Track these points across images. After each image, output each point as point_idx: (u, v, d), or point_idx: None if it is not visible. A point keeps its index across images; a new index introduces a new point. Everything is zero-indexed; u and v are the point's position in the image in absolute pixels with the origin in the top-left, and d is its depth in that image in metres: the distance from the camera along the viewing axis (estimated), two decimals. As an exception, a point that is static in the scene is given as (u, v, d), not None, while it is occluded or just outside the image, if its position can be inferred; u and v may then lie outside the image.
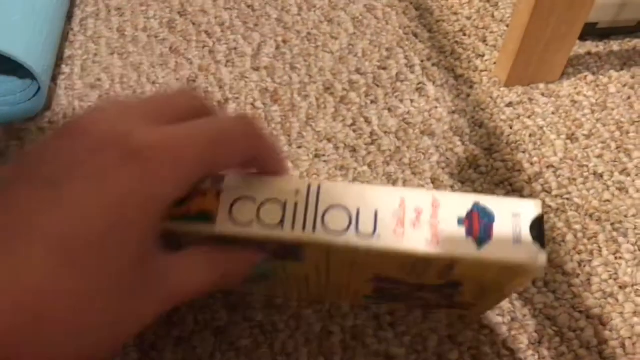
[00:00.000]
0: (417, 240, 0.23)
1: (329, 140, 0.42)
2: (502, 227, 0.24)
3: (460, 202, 0.24)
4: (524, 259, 0.23)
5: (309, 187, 0.24)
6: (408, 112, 0.44)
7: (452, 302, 0.30)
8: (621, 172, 0.40)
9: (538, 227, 0.24)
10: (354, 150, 0.42)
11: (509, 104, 0.44)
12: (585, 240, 0.37)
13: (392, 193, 0.24)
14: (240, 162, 0.24)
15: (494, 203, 0.24)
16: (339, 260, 0.25)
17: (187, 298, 0.23)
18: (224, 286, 0.26)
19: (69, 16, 0.50)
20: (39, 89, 0.41)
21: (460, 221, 0.24)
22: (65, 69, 0.47)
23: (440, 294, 0.29)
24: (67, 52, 0.48)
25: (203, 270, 0.24)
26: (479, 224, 0.24)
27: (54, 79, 0.46)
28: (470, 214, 0.24)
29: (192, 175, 0.22)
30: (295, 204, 0.23)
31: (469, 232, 0.23)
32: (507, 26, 0.50)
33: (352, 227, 0.23)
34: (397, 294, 0.30)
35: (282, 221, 0.23)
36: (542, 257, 0.23)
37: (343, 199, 0.24)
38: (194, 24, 0.50)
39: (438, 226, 0.24)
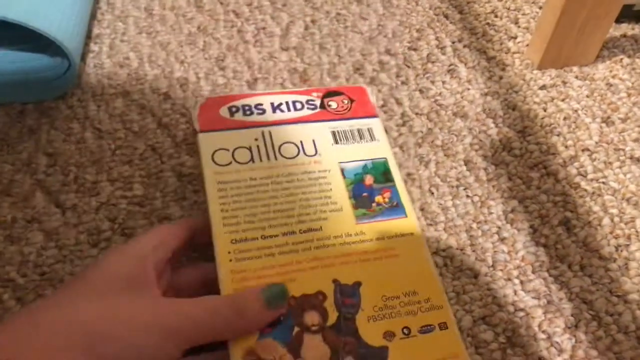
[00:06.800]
0: None
1: (360, 121, 0.42)
2: None
3: None
4: None
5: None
6: (440, 94, 0.43)
7: None
8: (658, 157, 0.40)
9: None
10: (385, 131, 0.41)
11: (543, 87, 0.44)
12: (622, 225, 0.36)
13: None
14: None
15: None
16: None
17: None
18: None
19: (97, -5, 0.50)
20: (69, 67, 0.41)
21: None
22: (94, 47, 0.47)
23: None
24: (96, 31, 0.48)
25: None
26: None
27: (83, 57, 0.45)
28: None
29: None
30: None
31: None
32: (540, 8, 0.49)
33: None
34: None
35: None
36: None
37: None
38: (221, 3, 0.50)
39: None
